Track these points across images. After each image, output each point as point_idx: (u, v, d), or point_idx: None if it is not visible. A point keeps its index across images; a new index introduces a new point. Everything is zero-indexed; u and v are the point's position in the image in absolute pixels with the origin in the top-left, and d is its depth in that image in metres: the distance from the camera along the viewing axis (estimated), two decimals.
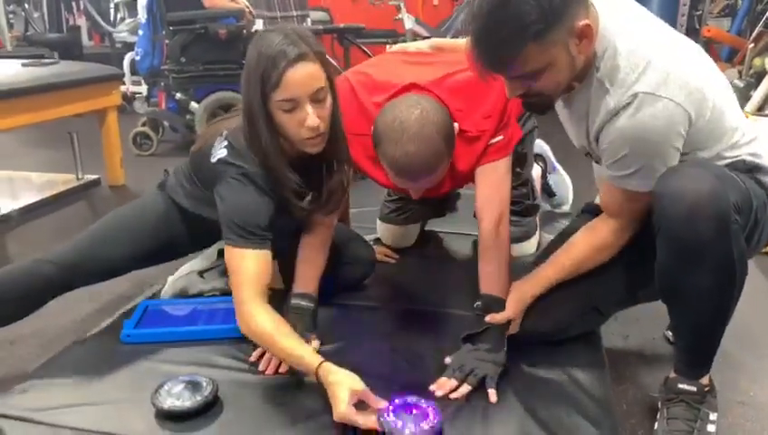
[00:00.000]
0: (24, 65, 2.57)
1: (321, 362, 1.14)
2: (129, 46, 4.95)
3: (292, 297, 1.39)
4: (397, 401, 1.10)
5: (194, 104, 3.49)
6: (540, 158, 2.14)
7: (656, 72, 1.00)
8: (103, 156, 2.90)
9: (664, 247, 1.03)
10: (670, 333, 1.50)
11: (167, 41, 3.47)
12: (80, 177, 2.87)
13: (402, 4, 4.70)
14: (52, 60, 3.10)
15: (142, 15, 3.68)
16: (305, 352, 1.18)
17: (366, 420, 1.06)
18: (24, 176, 2.97)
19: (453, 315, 1.51)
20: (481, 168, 1.39)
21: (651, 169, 1.03)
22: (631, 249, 1.24)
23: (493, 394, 1.18)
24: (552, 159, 2.18)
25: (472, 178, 1.43)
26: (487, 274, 1.34)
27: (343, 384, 1.10)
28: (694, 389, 1.11)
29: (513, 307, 1.27)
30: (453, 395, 1.18)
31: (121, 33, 5.26)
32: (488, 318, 1.27)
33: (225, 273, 1.58)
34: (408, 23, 4.75)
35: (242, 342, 1.38)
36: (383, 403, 1.09)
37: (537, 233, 1.91)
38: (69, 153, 2.90)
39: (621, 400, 1.26)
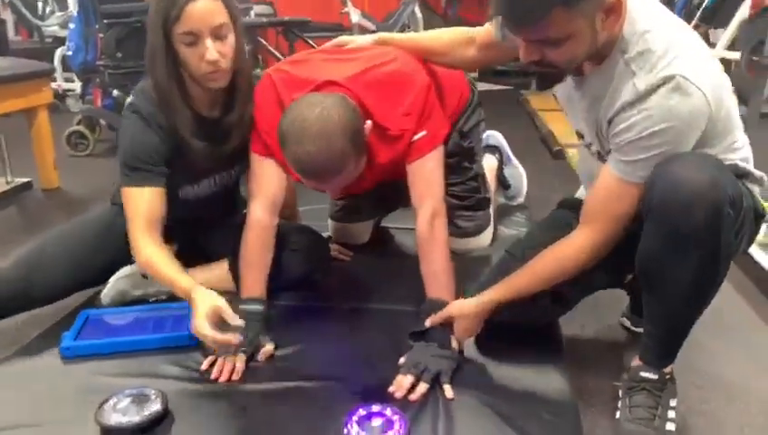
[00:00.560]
0: None
1: (195, 286, 1.24)
2: (59, 41, 4.72)
3: (240, 303, 1.34)
4: (361, 410, 1.07)
5: None
6: (496, 150, 2.14)
7: (690, 60, 0.99)
8: (34, 158, 2.73)
9: (653, 233, 1.02)
10: (626, 321, 1.51)
11: (101, 35, 3.30)
12: (9, 180, 2.70)
13: None
14: None
15: (74, 8, 3.49)
16: (183, 280, 1.27)
17: (216, 336, 1.15)
18: None
19: (410, 313, 1.46)
20: (409, 166, 1.37)
21: (663, 159, 1.01)
22: None
23: (448, 390, 1.17)
24: (508, 151, 2.19)
25: (402, 172, 1.40)
26: (427, 274, 1.34)
27: (204, 301, 1.18)
28: (656, 377, 1.11)
29: (456, 312, 1.26)
30: (411, 396, 1.16)
31: (51, 27, 5.01)
32: (428, 322, 1.26)
33: None
34: (354, 16, 4.71)
35: (192, 350, 1.32)
36: (238, 320, 1.19)
37: (491, 226, 1.90)
38: None
39: (581, 389, 1.26)
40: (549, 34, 0.98)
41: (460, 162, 1.75)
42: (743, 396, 1.26)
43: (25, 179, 2.73)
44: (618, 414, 1.14)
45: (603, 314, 1.55)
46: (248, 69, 1.41)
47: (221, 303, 1.19)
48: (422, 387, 1.17)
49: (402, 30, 4.85)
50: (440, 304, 1.28)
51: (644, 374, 1.12)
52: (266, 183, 1.40)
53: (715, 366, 1.36)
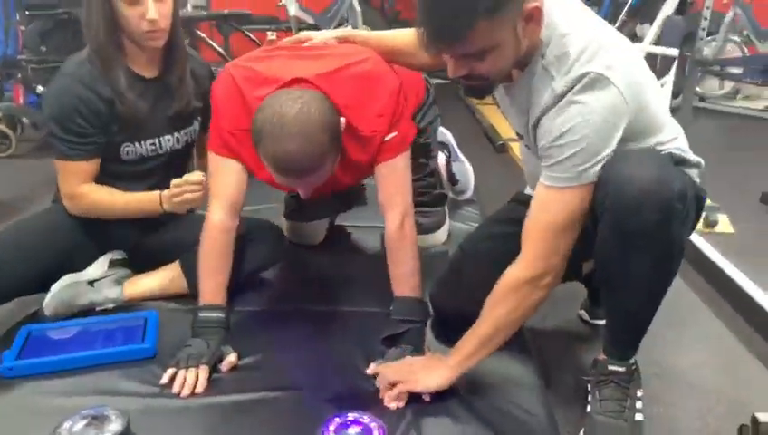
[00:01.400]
0: None
1: (161, 193, 1.42)
2: None
3: (200, 310, 1.29)
4: (337, 419, 1.05)
5: None
6: (444, 146, 2.14)
7: (605, 58, 1.00)
8: None
9: (607, 232, 1.04)
10: (584, 314, 1.55)
11: (22, 27, 3.09)
12: None
13: None
14: None
15: None
16: (143, 195, 1.44)
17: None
18: None
19: (371, 314, 1.45)
20: (378, 166, 1.35)
21: (588, 154, 1.00)
22: None
23: (426, 395, 1.15)
24: (455, 147, 2.20)
25: (369, 172, 1.39)
26: (397, 276, 1.32)
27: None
28: (623, 369, 1.14)
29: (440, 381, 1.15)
30: (394, 404, 1.13)
31: None
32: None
33: (120, 281, 1.46)
34: (292, 8, 4.59)
35: (149, 363, 1.25)
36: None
37: (447, 222, 1.91)
38: None
39: (548, 382, 1.28)
40: (474, 48, 0.98)
41: (417, 158, 1.73)
42: (701, 385, 1.31)
43: None
44: (588, 408, 1.16)
45: (564, 307, 1.59)
46: (180, 30, 1.47)
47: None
48: (403, 394, 1.14)
49: (340, 24, 4.80)
50: (410, 303, 1.27)
51: (611, 368, 1.14)
52: (226, 184, 1.35)
53: (671, 356, 1.41)
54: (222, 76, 1.35)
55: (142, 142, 1.48)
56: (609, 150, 1.01)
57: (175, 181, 1.42)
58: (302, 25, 4.58)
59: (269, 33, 5.10)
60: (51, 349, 1.28)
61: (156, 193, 1.45)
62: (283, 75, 1.25)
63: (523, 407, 1.14)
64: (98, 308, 1.44)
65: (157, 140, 1.50)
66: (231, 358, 1.25)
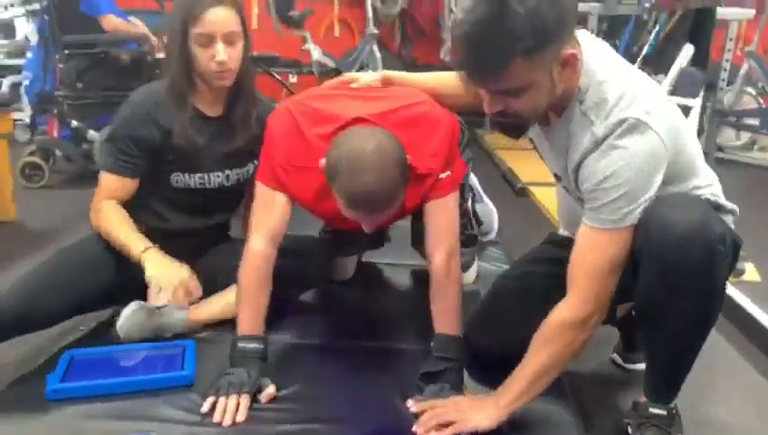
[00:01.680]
0: None
1: (147, 249, 1.44)
2: (3, 69, 4.55)
3: (239, 340, 1.31)
4: None
5: (92, 133, 3.24)
6: (468, 187, 2.17)
7: (644, 104, 1.04)
8: None
9: (649, 274, 1.06)
10: (618, 358, 1.55)
11: (60, 65, 3.20)
12: None
13: (308, 35, 4.69)
14: None
15: (33, 37, 3.38)
16: (132, 241, 1.46)
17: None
18: None
19: (405, 351, 1.47)
20: (430, 204, 1.37)
21: (632, 197, 1.03)
22: None
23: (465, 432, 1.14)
24: (479, 188, 2.23)
25: (411, 211, 1.42)
26: (439, 313, 1.33)
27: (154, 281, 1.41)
28: (664, 413, 1.14)
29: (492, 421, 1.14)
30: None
31: None
32: None
33: (186, 306, 1.49)
34: (315, 53, 4.74)
35: (189, 391, 1.27)
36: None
37: (476, 262, 1.93)
38: None
39: (587, 426, 1.27)
40: (509, 85, 1.01)
41: None
42: (737, 431, 1.30)
43: None
44: None
45: (597, 351, 1.58)
46: (251, 74, 1.56)
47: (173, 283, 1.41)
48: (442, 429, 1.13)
49: (361, 68, 4.92)
50: (450, 341, 1.28)
51: (653, 410, 1.15)
52: (270, 216, 1.37)
53: (706, 403, 1.40)
54: (279, 111, 1.39)
55: (191, 175, 1.54)
56: (650, 193, 1.04)
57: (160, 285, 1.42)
58: (324, 69, 4.70)
59: (290, 76, 5.25)
60: (93, 374, 1.30)
61: (141, 247, 1.46)
62: (342, 114, 1.29)
63: None
64: (167, 334, 1.46)
65: (206, 175, 1.56)
66: (270, 389, 1.26)
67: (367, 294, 1.81)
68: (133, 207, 1.54)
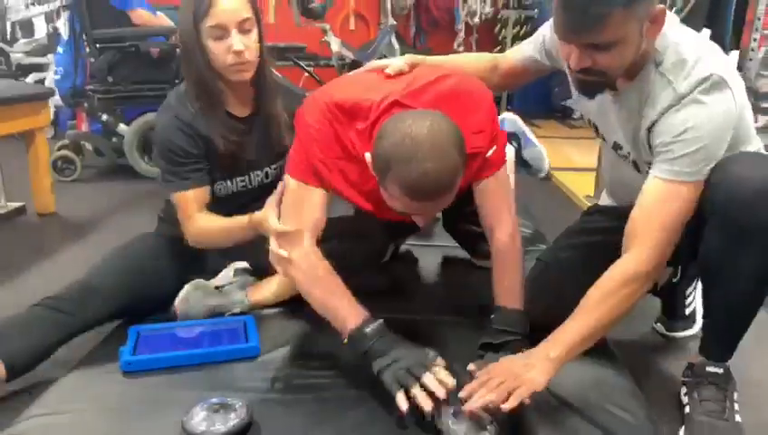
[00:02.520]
0: None
1: (250, 215, 1.40)
2: (25, 68, 4.62)
3: (365, 327, 1.17)
4: (454, 408, 1.08)
5: (122, 126, 3.29)
6: (513, 136, 2.13)
7: (720, 64, 1.08)
8: (29, 181, 2.65)
9: (717, 230, 1.09)
10: (661, 326, 1.59)
11: (91, 59, 3.26)
12: (2, 204, 2.60)
13: (328, 27, 4.72)
14: None
15: (64, 33, 3.43)
16: (235, 220, 1.44)
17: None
18: None
19: (449, 322, 1.51)
20: (481, 184, 1.32)
21: (710, 151, 1.07)
22: None
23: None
24: (526, 131, 2.11)
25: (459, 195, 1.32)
26: (503, 287, 1.31)
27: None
28: (721, 371, 1.18)
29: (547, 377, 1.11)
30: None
31: (17, 54, 4.88)
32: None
33: (243, 287, 1.52)
34: (335, 45, 4.77)
35: (255, 362, 1.32)
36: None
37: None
38: None
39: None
40: (604, 37, 1.04)
41: None
42: None
43: (19, 204, 2.64)
44: (687, 409, 1.19)
45: (636, 321, 1.61)
46: (268, 64, 1.49)
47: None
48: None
49: (379, 59, 4.94)
50: (513, 314, 1.27)
51: (710, 369, 1.18)
52: (313, 213, 1.28)
53: (756, 365, 1.43)
54: (312, 104, 1.28)
55: (234, 179, 1.53)
56: (722, 151, 1.08)
57: (276, 232, 1.29)
58: (343, 61, 4.74)
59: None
60: (161, 347, 1.35)
61: (244, 219, 1.43)
62: (376, 100, 1.21)
63: (622, 406, 1.17)
64: (226, 313, 1.50)
65: (247, 177, 1.55)
66: (439, 360, 1.16)
67: (407, 273, 1.86)
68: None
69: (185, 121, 1.43)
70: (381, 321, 1.18)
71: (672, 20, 1.15)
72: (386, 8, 5.45)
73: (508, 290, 1.30)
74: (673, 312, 1.58)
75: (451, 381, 1.09)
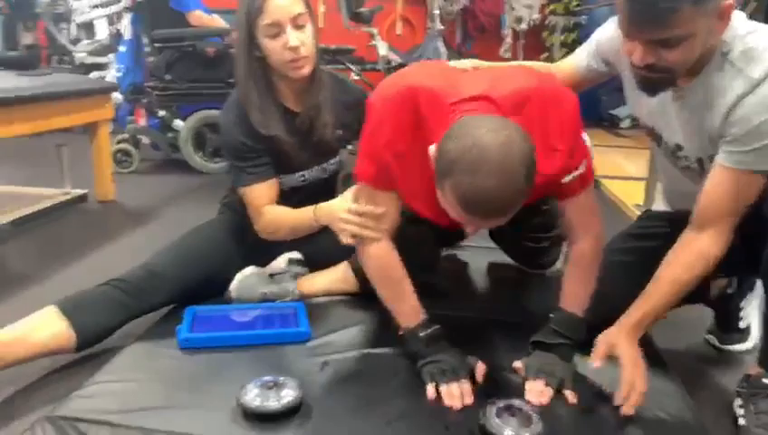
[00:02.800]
0: (18, 75, 2.46)
1: (315, 207, 1.43)
2: (87, 67, 4.83)
3: (418, 330, 1.25)
4: (499, 403, 1.10)
5: (178, 122, 3.42)
6: None
7: None
8: (92, 170, 2.79)
9: None
10: (713, 338, 1.55)
11: (150, 58, 3.40)
12: (67, 191, 2.74)
13: (376, 31, 4.79)
14: (45, 71, 2.98)
15: (126, 33, 3.60)
16: (301, 212, 1.47)
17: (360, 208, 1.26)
18: (11, 190, 2.81)
19: (495, 322, 1.52)
20: (564, 202, 1.24)
21: None
22: None
23: (571, 395, 1.18)
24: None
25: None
26: (572, 291, 1.27)
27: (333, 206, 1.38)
28: None
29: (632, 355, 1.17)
30: (541, 400, 1.17)
31: (80, 54, 5.11)
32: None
33: (295, 277, 1.58)
34: (382, 49, 4.83)
35: (305, 346, 1.37)
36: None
37: (561, 256, 1.82)
38: (47, 168, 2.80)
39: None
40: (671, 33, 1.02)
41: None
42: None
43: (82, 191, 2.78)
44: (742, 421, 1.18)
45: (686, 332, 1.59)
46: (319, 61, 1.49)
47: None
48: (548, 391, 1.18)
49: None
50: (573, 320, 1.26)
51: (767, 381, 1.17)
52: (386, 216, 1.25)
53: None
54: (386, 88, 1.20)
55: (292, 175, 1.57)
56: None
57: (354, 209, 1.27)
58: (389, 65, 4.79)
59: (352, 73, 5.38)
60: (216, 327, 1.41)
61: (309, 210, 1.45)
62: (456, 91, 1.13)
63: (672, 413, 1.16)
64: (276, 300, 1.55)
65: (306, 172, 1.58)
66: (480, 367, 1.23)
67: (455, 274, 1.88)
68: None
69: (244, 120, 1.46)
70: (438, 327, 1.25)
71: (738, 14, 1.12)
72: (433, 13, 5.48)
73: (575, 296, 1.27)
74: (726, 324, 1.55)
75: (469, 399, 1.17)
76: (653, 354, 1.37)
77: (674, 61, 1.06)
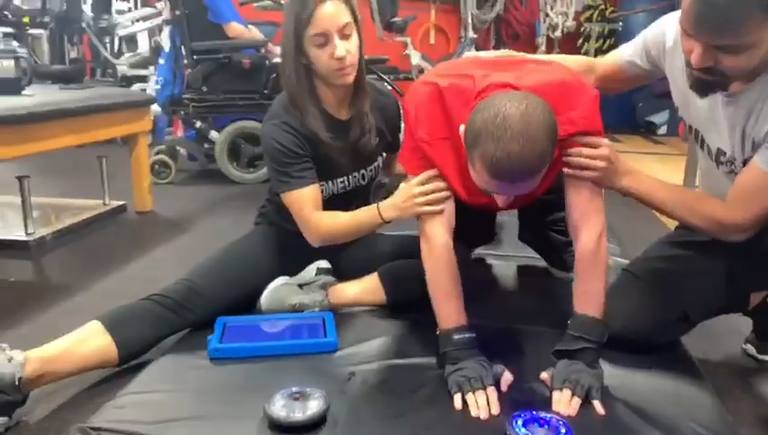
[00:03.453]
0: (61, 88, 2.55)
1: (377, 205, 1.43)
2: (129, 79, 4.98)
3: (453, 333, 1.26)
4: (526, 414, 1.09)
5: (214, 133, 3.49)
6: None
7: None
8: (131, 181, 2.87)
9: None
10: (751, 348, 1.52)
11: (188, 70, 3.48)
12: (106, 202, 2.82)
13: (409, 40, 4.81)
14: (88, 84, 3.09)
15: (165, 46, 3.70)
16: (360, 213, 1.48)
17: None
18: (53, 202, 2.90)
19: (524, 331, 1.51)
20: (575, 192, 1.29)
21: None
22: (726, 259, 1.28)
23: (599, 406, 1.16)
24: None
25: (545, 189, 1.32)
26: (583, 293, 1.27)
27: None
28: None
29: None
30: (569, 411, 1.15)
31: (122, 66, 5.27)
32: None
33: (325, 287, 1.58)
34: (415, 58, 4.85)
35: (333, 356, 1.37)
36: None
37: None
38: (89, 179, 2.89)
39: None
40: (737, 40, 1.01)
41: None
42: None
43: (121, 202, 2.86)
44: None
45: (724, 342, 1.56)
46: (364, 68, 1.52)
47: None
48: (575, 402, 1.16)
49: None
50: (591, 322, 1.24)
51: None
52: (446, 206, 1.32)
53: None
54: (415, 89, 1.33)
55: (335, 181, 1.58)
56: None
57: (415, 180, 1.34)
58: (422, 75, 4.79)
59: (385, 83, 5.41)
60: (246, 337, 1.43)
61: (372, 208, 1.46)
62: (479, 82, 1.23)
63: (705, 425, 1.13)
64: (306, 310, 1.55)
65: (346, 178, 1.59)
66: (507, 375, 1.24)
67: (482, 282, 1.85)
68: (286, 218, 1.56)
69: (290, 125, 1.48)
70: (469, 335, 1.26)
71: None
72: (466, 22, 5.48)
73: (589, 296, 1.26)
74: (765, 333, 1.51)
75: (495, 409, 1.16)
76: (689, 365, 1.35)
77: (732, 67, 1.05)
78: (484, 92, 1.19)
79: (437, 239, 1.31)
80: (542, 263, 1.93)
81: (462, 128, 1.17)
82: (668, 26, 1.32)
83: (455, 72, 1.31)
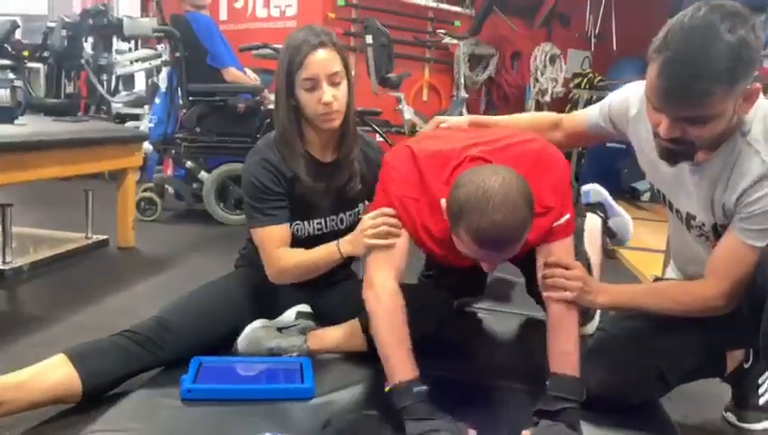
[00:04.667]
0: (54, 120, 2.56)
1: (338, 242, 1.48)
2: (122, 117, 5.01)
3: (413, 386, 1.22)
4: None
5: (204, 173, 3.49)
6: (599, 207, 2.07)
7: None
8: (116, 217, 2.83)
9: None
10: (731, 416, 1.50)
11: (183, 110, 3.52)
12: (89, 236, 2.79)
13: (403, 96, 4.91)
14: (81, 118, 3.10)
15: (162, 85, 3.74)
16: (322, 249, 1.51)
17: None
18: (35, 233, 2.86)
19: (506, 388, 1.49)
20: (550, 246, 1.35)
21: None
22: (706, 323, 1.28)
23: None
24: (611, 202, 2.10)
25: (524, 252, 1.35)
26: (557, 353, 1.30)
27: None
28: None
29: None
30: None
31: (117, 104, 5.31)
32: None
33: (304, 331, 1.56)
34: (408, 113, 4.94)
35: (307, 403, 1.34)
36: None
37: (597, 314, 1.84)
38: (74, 212, 2.85)
39: None
40: (702, 112, 1.05)
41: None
42: None
43: (103, 237, 2.83)
44: None
45: (704, 407, 1.54)
46: (352, 115, 1.57)
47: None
48: None
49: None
50: (569, 381, 1.25)
51: None
52: (395, 254, 1.36)
53: None
54: (397, 150, 1.42)
55: (310, 221, 1.59)
56: None
57: (368, 216, 1.42)
58: (414, 129, 4.89)
59: (376, 135, 5.50)
60: (221, 379, 1.40)
61: (332, 244, 1.51)
62: (456, 153, 1.31)
63: None
64: (284, 354, 1.53)
65: (323, 220, 1.61)
66: (472, 433, 1.24)
67: (468, 335, 1.84)
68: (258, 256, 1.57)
69: (271, 162, 1.52)
70: (426, 388, 1.23)
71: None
72: (459, 82, 5.63)
73: (564, 356, 1.29)
74: (744, 401, 1.49)
75: None
76: (668, 428, 1.34)
77: (698, 137, 1.09)
78: (461, 166, 1.29)
79: (386, 286, 1.32)
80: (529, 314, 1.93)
81: (443, 202, 1.24)
82: (632, 95, 1.37)
83: (438, 140, 1.41)
